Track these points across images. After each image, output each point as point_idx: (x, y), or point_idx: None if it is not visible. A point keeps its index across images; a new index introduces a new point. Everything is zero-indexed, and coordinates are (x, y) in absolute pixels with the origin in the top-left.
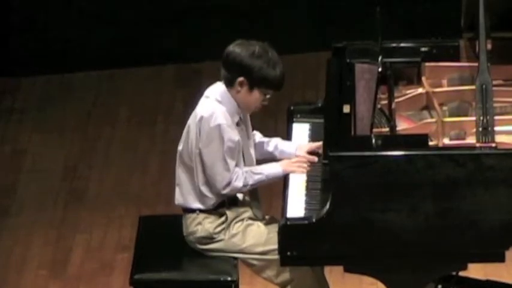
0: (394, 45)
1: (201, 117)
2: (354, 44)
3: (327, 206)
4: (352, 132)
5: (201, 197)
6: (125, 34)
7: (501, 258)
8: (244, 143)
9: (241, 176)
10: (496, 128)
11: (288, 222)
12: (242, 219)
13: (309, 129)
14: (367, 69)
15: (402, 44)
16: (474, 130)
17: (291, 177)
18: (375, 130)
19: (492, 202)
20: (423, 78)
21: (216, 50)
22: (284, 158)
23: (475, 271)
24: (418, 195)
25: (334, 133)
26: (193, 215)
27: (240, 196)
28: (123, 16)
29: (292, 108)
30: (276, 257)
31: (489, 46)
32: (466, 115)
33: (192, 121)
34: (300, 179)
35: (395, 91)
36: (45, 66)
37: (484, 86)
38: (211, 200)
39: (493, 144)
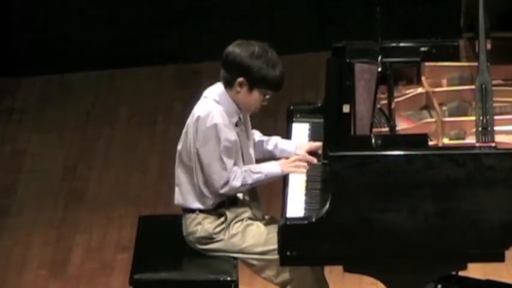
0: (393, 45)
1: (198, 117)
2: (353, 43)
3: (327, 206)
4: (352, 132)
5: (200, 197)
6: (125, 34)
7: (501, 258)
8: (244, 143)
9: (240, 175)
10: (496, 128)
11: (288, 222)
12: (242, 220)
13: (309, 129)
14: (366, 69)
15: (402, 44)
16: (474, 130)
17: (291, 177)
18: (374, 130)
19: (492, 202)
20: (423, 78)
21: (216, 50)
22: (284, 156)
23: (475, 271)
24: (417, 195)
25: (334, 133)
26: (193, 215)
27: (240, 196)
28: (123, 16)
29: (291, 108)
30: (275, 257)
31: (489, 46)
32: (465, 115)
33: (190, 121)
34: (300, 179)
35: (395, 91)
36: (45, 66)
37: (483, 86)
38: (211, 200)
39: (493, 144)
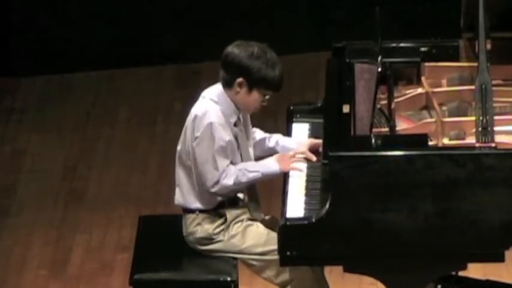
0: (393, 45)
1: (195, 116)
2: (353, 44)
3: (327, 206)
4: (352, 132)
5: (200, 197)
6: (125, 34)
7: (501, 258)
8: (243, 143)
9: (232, 174)
10: (496, 128)
11: (288, 223)
12: (241, 220)
13: (309, 129)
14: (366, 69)
15: (402, 44)
16: (474, 130)
17: (291, 177)
18: (374, 130)
19: (492, 202)
20: (423, 78)
21: (215, 50)
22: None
23: (475, 271)
24: (417, 195)
25: (334, 133)
26: (193, 216)
27: (240, 196)
28: (123, 16)
29: (291, 108)
30: (275, 257)
31: (489, 46)
32: (465, 115)
33: (188, 121)
34: (300, 179)
35: (395, 91)
36: (45, 66)
37: (483, 86)
38: (211, 200)
39: (493, 144)
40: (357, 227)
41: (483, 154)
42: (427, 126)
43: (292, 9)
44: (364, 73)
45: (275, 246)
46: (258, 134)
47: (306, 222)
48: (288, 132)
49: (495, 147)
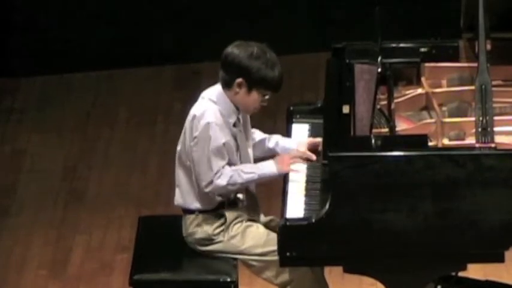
0: (393, 45)
1: (194, 116)
2: (353, 44)
3: (327, 207)
4: (352, 133)
5: (200, 197)
6: (125, 34)
7: (501, 259)
8: (242, 144)
9: (227, 175)
10: (496, 129)
11: (288, 223)
12: (241, 221)
13: (309, 130)
14: (366, 69)
15: (402, 44)
16: (473, 130)
17: (291, 177)
18: (374, 130)
19: (492, 202)
20: (423, 79)
21: (215, 50)
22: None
23: (475, 271)
24: (417, 195)
25: (334, 133)
26: (193, 216)
27: (240, 196)
28: (123, 16)
29: (291, 108)
30: (275, 258)
31: (489, 46)
32: (465, 115)
33: (187, 121)
34: (300, 179)
35: (395, 91)
36: (44, 66)
37: (483, 87)
38: (211, 201)
39: (493, 145)
40: (357, 227)
41: (483, 154)
42: (427, 127)
43: (292, 9)
44: (364, 73)
45: (275, 247)
46: (257, 134)
47: (305, 222)
48: (287, 133)
49: (495, 148)
